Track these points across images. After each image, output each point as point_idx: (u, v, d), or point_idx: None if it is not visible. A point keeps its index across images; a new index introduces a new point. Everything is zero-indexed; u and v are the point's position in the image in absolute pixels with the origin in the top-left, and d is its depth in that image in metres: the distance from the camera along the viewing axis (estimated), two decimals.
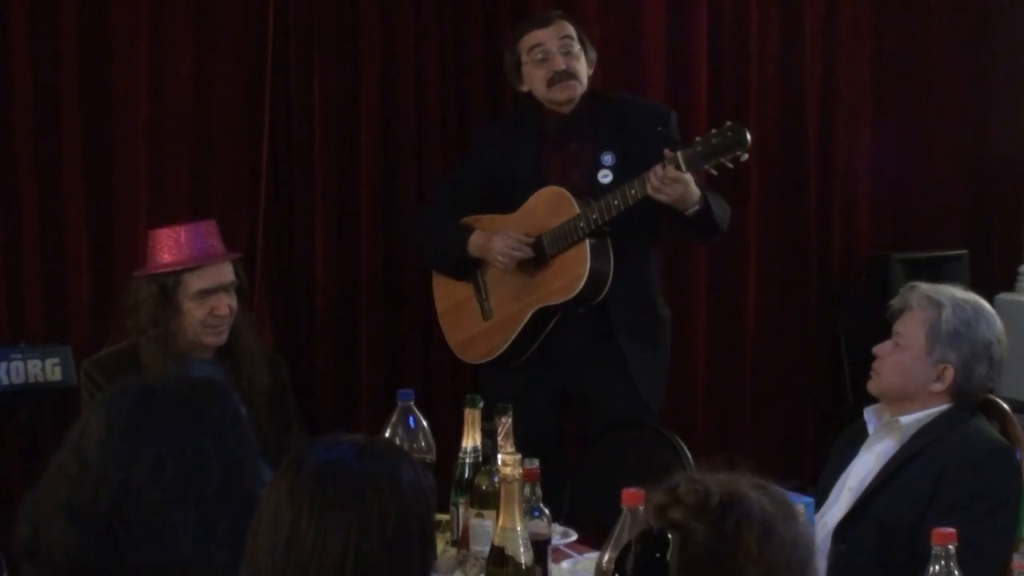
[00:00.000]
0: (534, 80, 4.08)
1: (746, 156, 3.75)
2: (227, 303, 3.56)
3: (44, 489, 2.03)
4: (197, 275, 3.53)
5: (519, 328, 4.06)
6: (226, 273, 3.59)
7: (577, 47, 4.06)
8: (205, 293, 3.52)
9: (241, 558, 1.84)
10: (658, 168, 3.76)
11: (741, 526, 1.70)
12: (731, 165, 3.78)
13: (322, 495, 1.77)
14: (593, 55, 4.13)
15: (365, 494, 1.77)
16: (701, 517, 1.69)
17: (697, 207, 3.84)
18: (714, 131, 3.79)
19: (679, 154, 3.76)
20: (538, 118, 4.13)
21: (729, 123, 3.77)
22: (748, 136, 3.72)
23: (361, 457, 1.82)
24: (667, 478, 1.81)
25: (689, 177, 3.77)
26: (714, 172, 3.84)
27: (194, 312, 3.52)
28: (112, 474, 1.98)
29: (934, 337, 3.02)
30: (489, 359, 4.16)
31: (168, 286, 3.51)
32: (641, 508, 1.86)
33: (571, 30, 4.08)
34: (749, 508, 1.72)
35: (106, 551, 1.95)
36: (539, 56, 4.05)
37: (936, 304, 3.04)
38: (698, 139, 3.82)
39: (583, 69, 4.07)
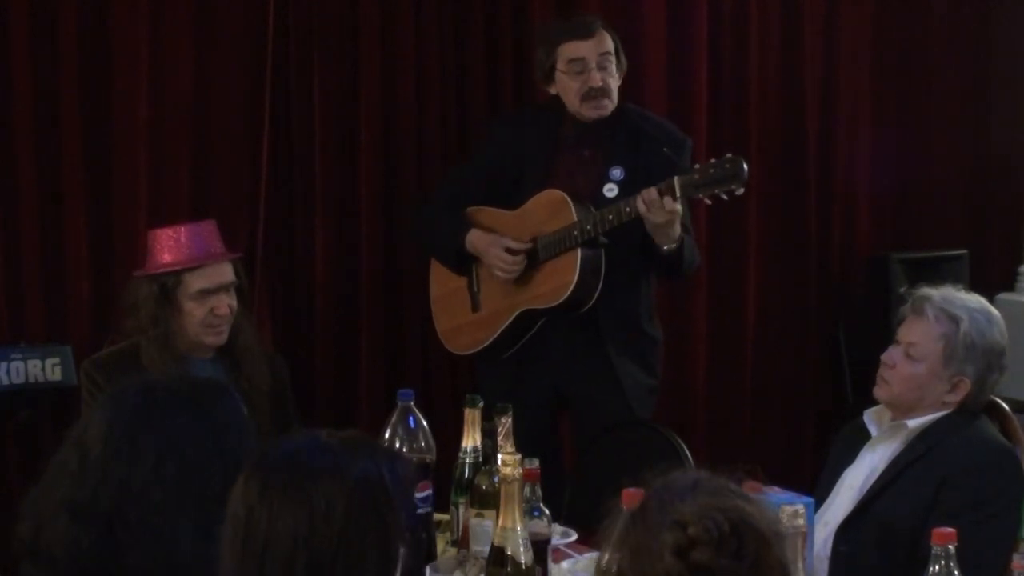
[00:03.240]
0: (567, 91, 4.06)
1: (742, 191, 3.75)
2: (227, 303, 3.56)
3: (45, 487, 2.04)
4: (197, 275, 3.54)
5: (503, 326, 4.09)
6: (226, 273, 3.59)
7: (613, 63, 4.05)
8: (205, 293, 3.53)
9: None
10: (654, 191, 3.76)
11: (760, 545, 1.70)
12: (725, 197, 3.77)
13: (272, 489, 1.78)
14: (624, 64, 4.12)
15: (312, 487, 1.77)
16: (723, 551, 1.68)
17: (674, 246, 3.85)
18: (713, 161, 3.80)
19: (676, 180, 3.76)
20: (557, 120, 4.12)
21: (729, 156, 3.76)
22: (746, 169, 3.71)
23: (314, 450, 1.82)
24: (662, 477, 1.80)
25: (679, 210, 3.78)
26: (708, 202, 3.85)
27: (194, 312, 3.52)
28: (113, 473, 1.98)
29: (951, 352, 3.00)
30: (472, 351, 4.20)
31: (168, 286, 3.52)
32: (629, 512, 1.83)
33: (610, 44, 4.05)
34: (756, 524, 1.71)
35: (106, 550, 1.96)
36: (577, 69, 4.02)
37: (953, 319, 3.00)
38: (696, 167, 3.83)
39: (616, 86, 4.06)
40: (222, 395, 2.13)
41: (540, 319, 4.06)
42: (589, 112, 4.04)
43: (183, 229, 3.58)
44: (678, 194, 3.75)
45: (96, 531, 1.96)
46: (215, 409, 2.09)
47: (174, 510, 1.97)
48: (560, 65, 4.06)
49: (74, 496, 1.99)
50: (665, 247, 3.86)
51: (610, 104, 4.04)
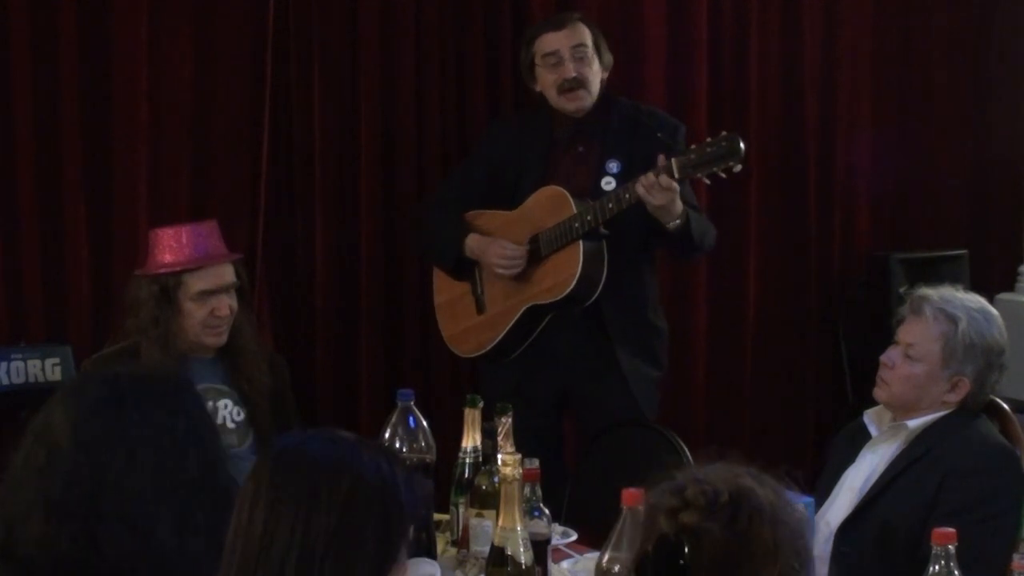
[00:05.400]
0: (546, 85, 4.08)
1: (739, 167, 3.74)
2: (228, 304, 3.56)
3: (12, 485, 2.00)
4: (198, 276, 3.53)
5: (509, 325, 4.08)
6: (227, 274, 3.59)
7: (591, 53, 4.04)
8: (206, 294, 3.52)
9: (215, 549, 1.84)
10: (650, 173, 3.76)
11: (753, 520, 1.71)
12: (724, 175, 3.77)
13: (275, 480, 1.77)
14: (608, 58, 4.12)
15: (315, 478, 1.76)
16: (714, 517, 1.70)
17: (678, 222, 3.84)
18: (709, 140, 3.79)
19: (673, 160, 3.76)
20: (549, 118, 4.12)
21: (724, 133, 3.76)
22: (742, 146, 3.71)
23: (322, 444, 1.81)
24: (665, 477, 1.81)
25: (677, 187, 3.77)
26: (707, 181, 3.85)
27: (195, 313, 3.52)
28: (85, 465, 1.95)
29: (950, 352, 2.99)
30: (480, 353, 4.19)
31: (169, 286, 3.51)
32: (640, 508, 1.84)
33: (586, 36, 4.05)
34: (758, 501, 1.73)
35: (84, 544, 1.93)
36: (552, 62, 4.03)
37: (951, 318, 3.00)
38: (693, 147, 3.82)
39: (594, 76, 4.05)
40: (187, 386, 2.12)
41: (546, 315, 4.05)
42: (567, 104, 4.04)
43: (184, 229, 3.57)
44: (677, 175, 3.75)
45: (72, 526, 1.93)
46: (182, 399, 2.08)
47: (150, 499, 1.94)
48: (537, 60, 4.08)
49: (46, 492, 1.96)
50: (670, 225, 3.85)
51: (587, 96, 4.04)
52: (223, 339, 3.57)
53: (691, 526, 1.71)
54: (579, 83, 4.02)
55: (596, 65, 4.07)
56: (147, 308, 3.50)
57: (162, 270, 3.52)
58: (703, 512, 1.70)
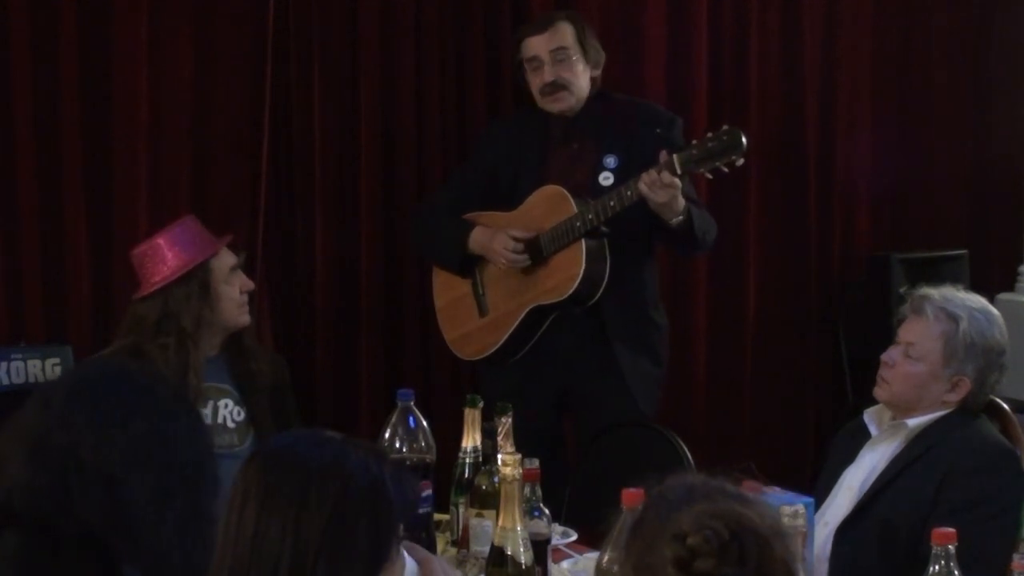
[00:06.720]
0: (532, 87, 4.10)
1: (742, 161, 3.74)
2: (247, 279, 3.61)
3: (7, 432, 2.02)
4: (218, 259, 3.56)
5: (513, 326, 4.07)
6: (232, 254, 3.61)
7: (574, 54, 4.04)
8: (235, 269, 3.56)
9: (200, 544, 1.85)
10: (652, 170, 3.76)
11: (761, 547, 1.69)
12: (726, 170, 3.76)
13: (266, 480, 1.78)
14: (598, 56, 4.11)
15: (304, 479, 1.77)
16: (727, 559, 1.67)
17: (680, 219, 3.84)
18: (710, 135, 3.78)
19: (674, 156, 3.75)
20: (544, 117, 4.12)
21: (726, 127, 3.76)
22: (744, 140, 3.71)
23: (311, 445, 1.82)
24: (648, 491, 1.80)
25: (679, 184, 3.77)
26: (709, 176, 3.84)
27: (230, 293, 3.55)
28: (76, 413, 1.95)
29: (951, 352, 3.00)
30: (483, 356, 4.17)
31: (204, 279, 3.51)
32: (635, 509, 1.82)
33: (567, 37, 4.05)
34: (751, 523, 1.70)
35: (58, 491, 1.92)
36: (534, 66, 4.06)
37: (953, 317, 3.00)
38: (694, 142, 3.81)
39: (577, 77, 4.04)
40: (194, 411, 2.15)
41: (550, 316, 4.04)
42: (548, 106, 4.06)
43: (177, 231, 3.57)
44: (679, 171, 3.74)
45: (51, 472, 1.92)
46: (190, 408, 2.11)
47: (131, 463, 1.93)
48: (524, 63, 4.09)
49: (33, 434, 1.96)
50: (673, 222, 3.85)
51: (569, 97, 4.04)
52: (249, 317, 3.58)
53: (708, 573, 1.68)
54: (559, 86, 4.02)
55: (580, 66, 4.05)
56: (189, 310, 3.47)
57: (188, 267, 3.50)
58: (715, 557, 1.67)
